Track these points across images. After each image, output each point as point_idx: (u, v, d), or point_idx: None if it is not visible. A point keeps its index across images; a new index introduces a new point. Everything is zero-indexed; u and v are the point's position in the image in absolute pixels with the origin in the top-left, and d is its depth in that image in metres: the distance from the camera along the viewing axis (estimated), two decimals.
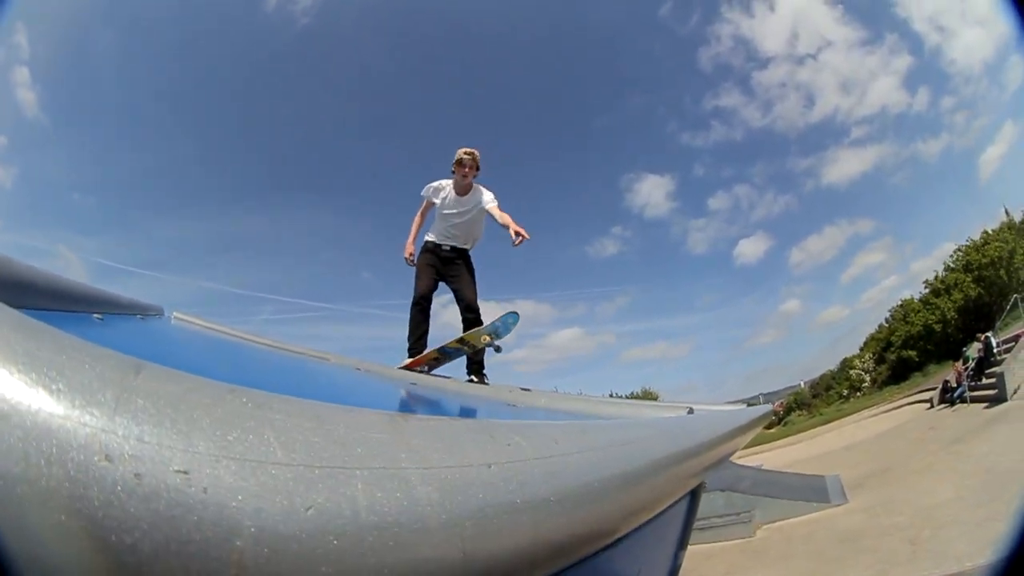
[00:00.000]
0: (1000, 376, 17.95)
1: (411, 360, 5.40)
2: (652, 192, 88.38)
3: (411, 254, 5.93)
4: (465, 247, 5.90)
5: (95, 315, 2.87)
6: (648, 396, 36.69)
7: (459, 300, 5.77)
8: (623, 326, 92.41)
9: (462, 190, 5.79)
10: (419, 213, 6.09)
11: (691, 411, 2.90)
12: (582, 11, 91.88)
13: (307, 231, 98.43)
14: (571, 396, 4.13)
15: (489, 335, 5.19)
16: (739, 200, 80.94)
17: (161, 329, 3.49)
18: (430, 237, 5.90)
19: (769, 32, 79.78)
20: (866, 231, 74.37)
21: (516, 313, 5.23)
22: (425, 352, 5.42)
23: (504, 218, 5.60)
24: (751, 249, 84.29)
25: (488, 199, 5.78)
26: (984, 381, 20.11)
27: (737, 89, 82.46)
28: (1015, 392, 17.13)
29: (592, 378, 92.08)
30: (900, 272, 65.29)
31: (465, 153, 5.69)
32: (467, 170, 5.69)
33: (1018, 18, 2.42)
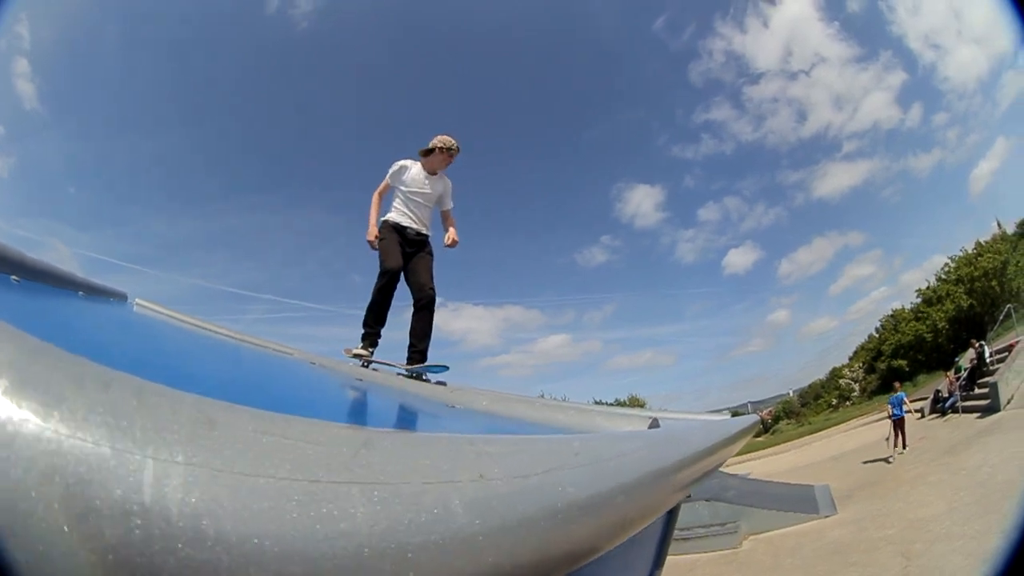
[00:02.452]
0: (993, 386, 17.67)
1: (356, 351, 5.26)
2: (642, 202, 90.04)
3: (377, 236, 5.50)
4: (427, 234, 5.64)
5: (12, 277, 2.82)
6: (635, 403, 36.35)
7: (413, 282, 5.41)
8: (610, 333, 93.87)
9: (431, 171, 5.64)
10: (378, 193, 5.73)
11: (655, 423, 2.48)
12: (577, 24, 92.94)
13: (301, 231, 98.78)
14: (514, 397, 3.86)
15: (420, 375, 5.00)
16: (729, 212, 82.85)
17: (119, 314, 3.48)
18: (392, 218, 5.56)
19: (762, 48, 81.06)
20: (856, 243, 75.32)
21: (447, 367, 5.04)
22: (371, 356, 5.30)
23: (451, 222, 5.76)
24: (740, 259, 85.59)
25: (450, 196, 5.80)
26: (976, 391, 19.89)
27: (728, 103, 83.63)
28: (1008, 402, 16.90)
29: (578, 385, 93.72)
30: (890, 284, 66.45)
31: (453, 145, 5.60)
32: (444, 157, 5.60)
33: (1018, 18, 2.37)
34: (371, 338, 5.36)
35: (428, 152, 5.56)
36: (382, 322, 5.41)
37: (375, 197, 5.69)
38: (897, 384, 22.47)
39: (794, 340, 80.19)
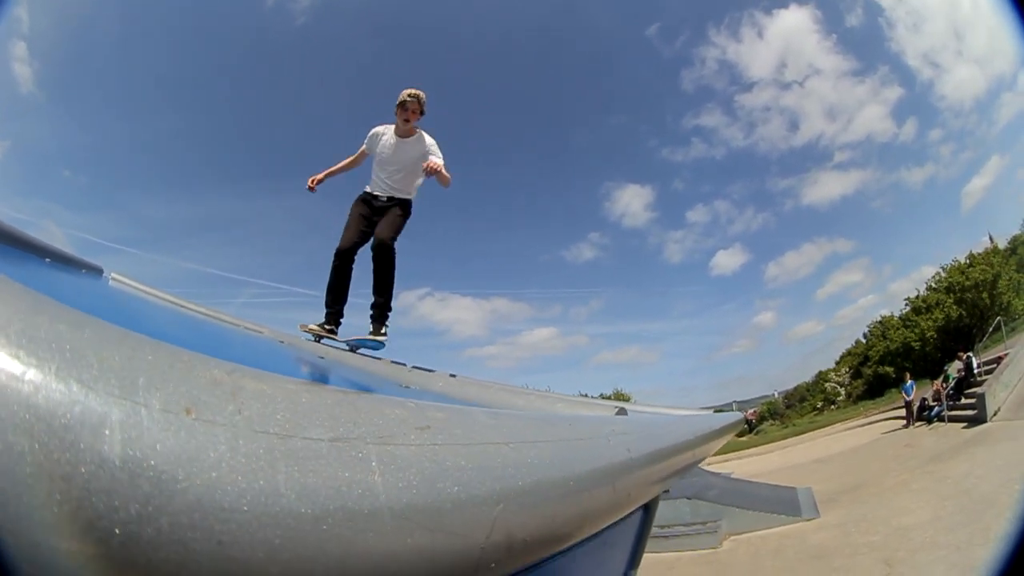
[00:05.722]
0: (981, 396, 17.61)
1: (310, 328, 5.14)
2: (631, 202, 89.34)
3: (313, 181, 5.51)
4: (406, 197, 5.40)
5: None
6: (620, 398, 36.30)
7: (374, 236, 5.18)
8: (596, 328, 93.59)
9: (404, 133, 5.31)
10: (352, 156, 5.66)
11: (622, 411, 2.33)
12: (573, 27, 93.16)
13: (292, 216, 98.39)
14: (471, 381, 3.84)
15: (354, 348, 5.03)
16: (718, 214, 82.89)
17: (90, 286, 3.40)
18: (367, 188, 5.45)
19: (756, 58, 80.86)
20: (844, 251, 75.09)
21: (382, 344, 5.06)
22: (324, 332, 5.14)
23: (444, 179, 5.24)
24: (728, 261, 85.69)
25: (434, 152, 5.24)
26: (963, 401, 19.90)
27: (720, 110, 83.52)
28: (995, 413, 16.89)
29: (563, 378, 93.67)
30: (877, 292, 66.64)
31: (408, 95, 5.14)
32: (410, 114, 5.19)
33: (1018, 18, 2.35)
34: (330, 317, 5.25)
35: (396, 113, 5.28)
36: (339, 301, 5.29)
37: (346, 159, 5.68)
38: (908, 375, 26.57)
39: (779, 343, 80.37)
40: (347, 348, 4.97)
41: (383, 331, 5.10)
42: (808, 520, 12.76)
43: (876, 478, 14.71)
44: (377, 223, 5.23)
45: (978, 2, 59.31)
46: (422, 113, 5.22)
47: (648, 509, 2.70)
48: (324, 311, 5.28)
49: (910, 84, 67.95)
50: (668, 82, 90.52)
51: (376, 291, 5.14)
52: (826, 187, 79.69)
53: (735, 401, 48.21)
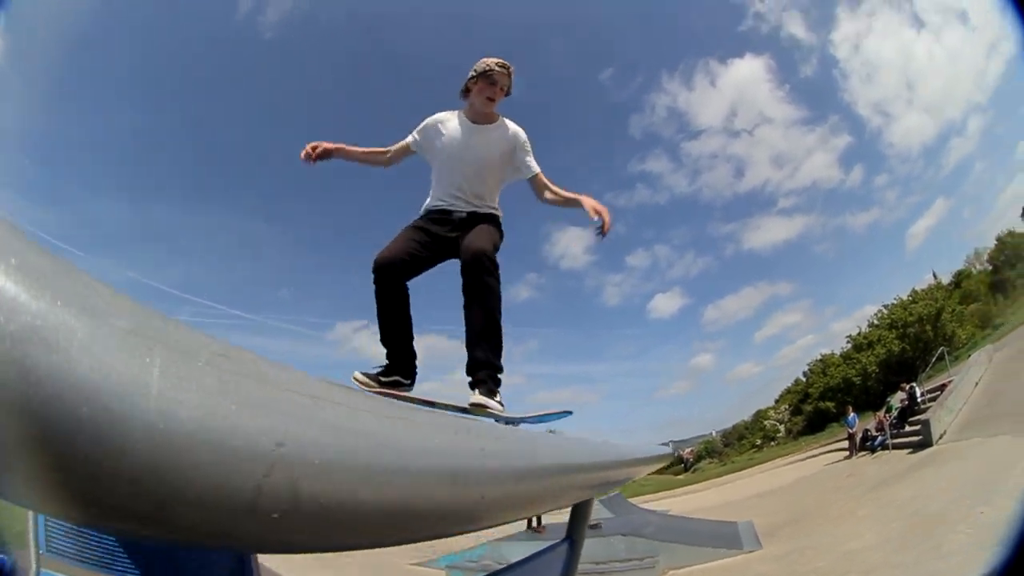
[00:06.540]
0: (926, 423, 17.35)
1: (368, 379, 3.46)
2: (570, 244, 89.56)
3: (315, 150, 3.65)
4: (490, 211, 3.74)
5: None
6: None
7: (464, 247, 3.42)
8: (534, 368, 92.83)
9: (482, 117, 3.71)
10: (384, 148, 3.95)
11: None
12: (526, 65, 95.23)
13: (236, 237, 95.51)
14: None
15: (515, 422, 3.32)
16: (657, 259, 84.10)
17: None
18: (429, 204, 3.77)
19: (707, 106, 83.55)
20: (785, 293, 77.15)
21: (569, 412, 3.87)
22: (382, 388, 3.40)
23: (563, 192, 3.71)
24: (666, 304, 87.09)
25: (528, 152, 3.76)
26: (908, 429, 19.71)
27: (666, 156, 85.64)
28: (940, 437, 16.61)
29: None
30: (817, 332, 68.27)
31: (498, 64, 3.57)
32: (497, 90, 3.61)
33: (1018, 18, 2.34)
34: (392, 364, 3.56)
35: (466, 92, 3.69)
36: (394, 343, 3.55)
37: (376, 148, 3.97)
38: (849, 408, 28.07)
39: (718, 384, 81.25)
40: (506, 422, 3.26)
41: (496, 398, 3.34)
42: (750, 552, 12.05)
43: (820, 508, 14.29)
44: (437, 256, 3.61)
45: (933, 53, 62.17)
46: (509, 92, 3.69)
47: (573, 543, 2.61)
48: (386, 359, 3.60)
49: (859, 132, 70.93)
50: (616, 127, 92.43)
51: (472, 337, 3.39)
52: (769, 232, 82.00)
53: (672, 441, 47.89)
